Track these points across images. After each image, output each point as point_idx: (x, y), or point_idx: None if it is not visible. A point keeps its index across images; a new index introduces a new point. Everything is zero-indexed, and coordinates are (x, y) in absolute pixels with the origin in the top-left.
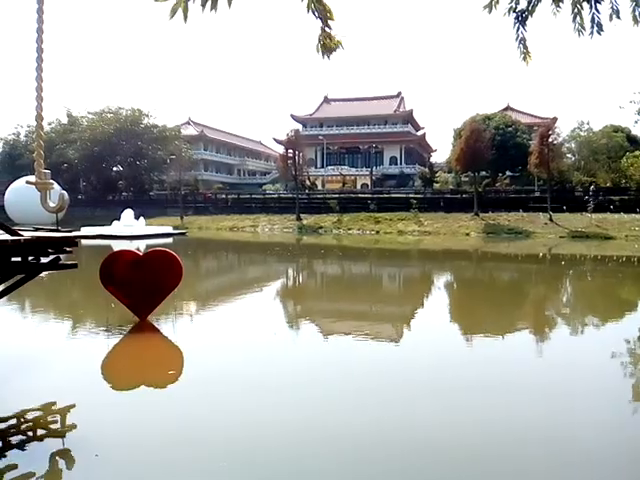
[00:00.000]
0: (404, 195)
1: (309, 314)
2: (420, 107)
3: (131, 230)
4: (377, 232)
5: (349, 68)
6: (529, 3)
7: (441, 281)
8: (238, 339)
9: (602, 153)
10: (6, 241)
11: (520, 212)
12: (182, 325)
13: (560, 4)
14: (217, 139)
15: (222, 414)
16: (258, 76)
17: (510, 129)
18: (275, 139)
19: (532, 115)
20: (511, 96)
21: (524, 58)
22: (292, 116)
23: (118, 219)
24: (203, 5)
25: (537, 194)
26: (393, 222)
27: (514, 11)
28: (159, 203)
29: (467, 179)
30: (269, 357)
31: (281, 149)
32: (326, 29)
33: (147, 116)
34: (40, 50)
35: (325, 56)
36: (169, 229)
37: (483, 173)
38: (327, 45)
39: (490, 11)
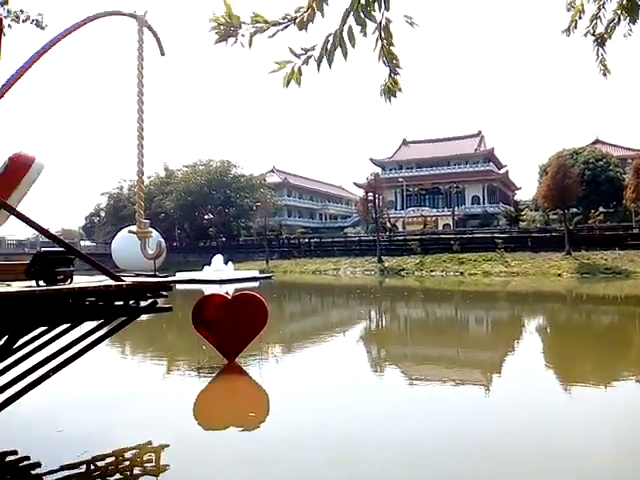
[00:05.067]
0: (488, 235)
1: (392, 358)
2: (501, 145)
3: (220, 275)
4: (461, 273)
5: (426, 110)
6: (607, 27)
7: (534, 325)
8: (322, 383)
9: None
10: (110, 286)
11: (617, 250)
12: (268, 368)
13: (631, 26)
14: (299, 185)
15: (307, 461)
16: (337, 123)
17: (601, 163)
18: (355, 183)
19: (624, 147)
20: (599, 129)
21: (604, 74)
22: (371, 160)
23: (209, 264)
24: (319, 65)
25: (636, 230)
26: (478, 263)
27: (592, 34)
28: (246, 248)
29: (556, 216)
30: (352, 403)
31: (361, 192)
32: (393, 75)
33: (235, 166)
34: (141, 111)
35: (387, 100)
36: (256, 273)
37: (573, 210)
38: (391, 89)
39: (568, 34)
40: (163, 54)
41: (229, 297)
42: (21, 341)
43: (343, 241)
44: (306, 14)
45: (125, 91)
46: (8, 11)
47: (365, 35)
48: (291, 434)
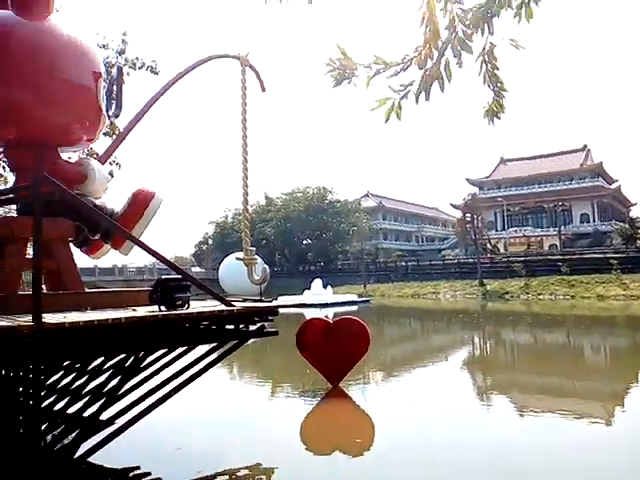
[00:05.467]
0: (601, 255)
1: (499, 387)
2: (611, 158)
3: (320, 299)
4: (572, 297)
5: (524, 126)
6: None
7: None
8: (427, 410)
9: None
10: (223, 311)
11: None
12: (372, 393)
13: None
14: (394, 208)
15: None
16: (431, 144)
17: None
18: (452, 204)
19: None
20: None
21: None
22: (467, 180)
23: (308, 288)
24: (417, 99)
25: None
26: (590, 286)
27: None
28: (344, 272)
29: None
30: (459, 432)
31: (458, 214)
32: (497, 98)
33: (330, 192)
34: (245, 145)
35: (490, 122)
36: (354, 297)
37: None
38: (495, 111)
39: None
40: (264, 90)
41: (331, 321)
42: (144, 363)
43: (441, 264)
44: (424, 52)
45: (230, 126)
46: (126, 60)
47: (461, 67)
48: (397, 462)
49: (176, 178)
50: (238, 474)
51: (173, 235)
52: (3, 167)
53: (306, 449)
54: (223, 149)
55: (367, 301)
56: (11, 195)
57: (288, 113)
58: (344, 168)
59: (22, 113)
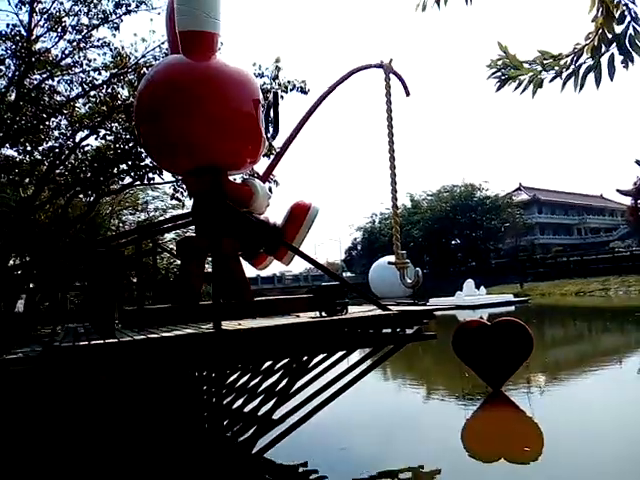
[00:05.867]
0: None
1: None
2: None
3: (473, 300)
4: None
5: None
6: None
7: None
8: (600, 419)
9: None
10: (381, 315)
11: None
12: (537, 398)
13: None
14: (551, 200)
15: None
16: (591, 125)
17: None
18: (619, 190)
19: None
20: None
21: None
22: (637, 162)
23: (459, 289)
24: (564, 83)
25: None
26: None
27: None
28: (497, 271)
29: None
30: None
31: (628, 200)
32: None
33: (479, 189)
34: (392, 150)
35: None
36: (510, 297)
37: None
38: None
39: None
40: (408, 95)
41: (488, 323)
42: (309, 365)
43: (610, 257)
44: (596, 38)
45: (372, 131)
46: (279, 84)
47: (627, 68)
48: (570, 474)
49: (322, 186)
50: (401, 476)
51: (322, 241)
52: (181, 193)
53: (469, 454)
54: (364, 154)
55: (525, 301)
56: (190, 218)
57: (430, 111)
58: (492, 163)
59: (199, 143)
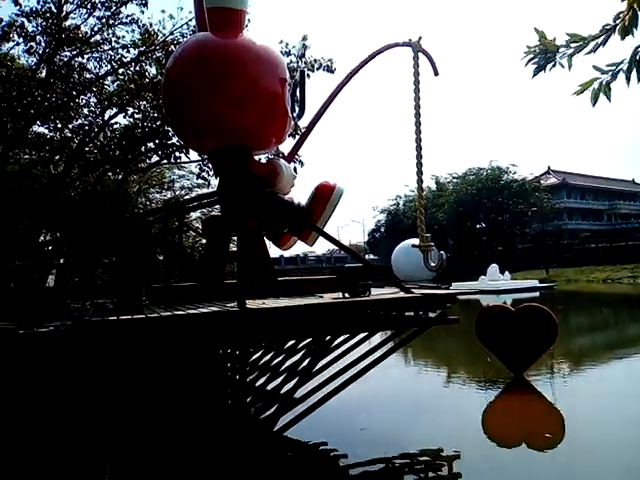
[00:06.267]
0: None
1: None
2: None
3: (497, 285)
4: None
5: None
6: None
7: None
8: (624, 406)
9: None
10: (404, 298)
11: None
12: (560, 385)
13: None
14: (580, 184)
15: None
16: (624, 108)
17: None
18: None
19: None
20: None
21: None
22: None
23: (484, 274)
24: (628, 78)
25: None
26: None
27: None
28: (522, 256)
29: None
30: None
31: None
32: None
33: (506, 172)
34: (418, 132)
35: None
36: (535, 283)
37: None
38: None
39: None
40: (437, 74)
41: (512, 309)
42: (331, 345)
43: None
44: (627, 18)
45: (403, 111)
46: (305, 62)
47: None
48: (591, 462)
49: (347, 167)
50: (420, 458)
51: (345, 223)
52: (207, 172)
53: (489, 439)
54: (390, 135)
55: (550, 287)
56: (215, 197)
57: (459, 91)
58: (521, 146)
59: (226, 123)
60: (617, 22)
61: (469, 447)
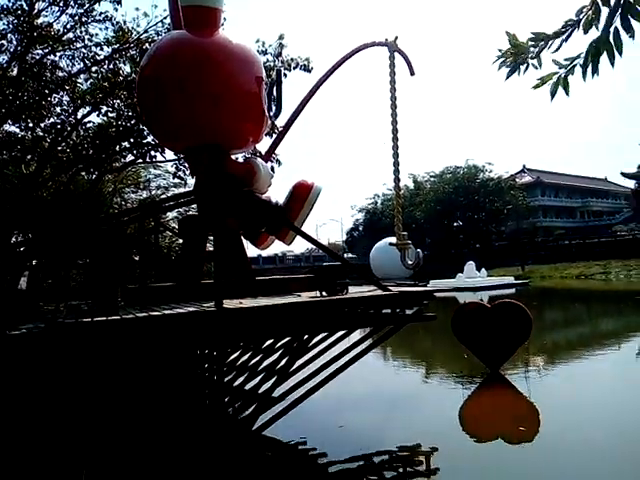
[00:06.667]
0: None
1: None
2: None
3: (474, 282)
4: None
5: None
6: None
7: None
8: (595, 399)
9: None
10: (381, 295)
11: None
12: (534, 380)
13: None
14: (554, 183)
15: None
16: (596, 106)
17: None
18: (623, 173)
19: None
20: None
21: None
22: None
23: (461, 271)
24: (584, 72)
25: None
26: None
27: None
28: (498, 254)
29: None
30: (630, 421)
31: (632, 184)
32: None
33: (482, 171)
34: (395, 131)
35: None
36: (510, 279)
37: None
38: None
39: None
40: (413, 74)
41: (488, 305)
42: (309, 345)
43: (612, 240)
44: (590, 12)
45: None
46: (282, 62)
47: (633, 37)
48: (566, 453)
49: (324, 167)
50: (399, 454)
51: (324, 222)
52: (184, 171)
53: (466, 434)
54: (367, 134)
55: (525, 284)
56: (192, 197)
57: (435, 91)
58: (496, 145)
59: (201, 121)
60: (580, 17)
61: (447, 442)
